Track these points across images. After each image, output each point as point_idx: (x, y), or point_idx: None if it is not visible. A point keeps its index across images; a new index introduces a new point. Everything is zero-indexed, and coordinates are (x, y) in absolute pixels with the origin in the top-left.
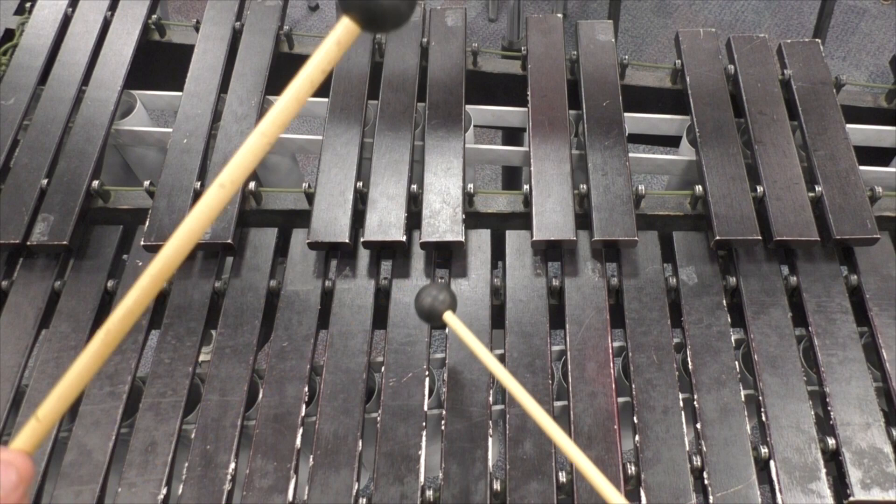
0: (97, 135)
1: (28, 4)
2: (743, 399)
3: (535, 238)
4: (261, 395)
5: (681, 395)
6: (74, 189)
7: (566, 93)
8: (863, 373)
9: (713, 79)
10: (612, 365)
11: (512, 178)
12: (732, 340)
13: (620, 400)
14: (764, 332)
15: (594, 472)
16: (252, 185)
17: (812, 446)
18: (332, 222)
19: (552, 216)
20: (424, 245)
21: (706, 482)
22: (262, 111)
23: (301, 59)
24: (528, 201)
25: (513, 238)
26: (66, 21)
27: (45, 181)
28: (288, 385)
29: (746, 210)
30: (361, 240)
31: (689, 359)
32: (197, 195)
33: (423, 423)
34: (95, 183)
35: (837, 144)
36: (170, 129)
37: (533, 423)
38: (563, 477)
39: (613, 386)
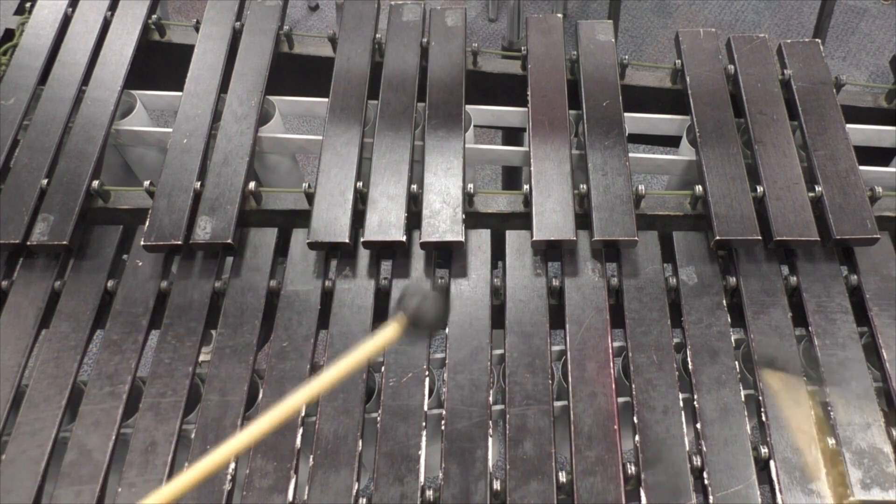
0: (97, 135)
1: (28, 4)
2: (743, 399)
3: (535, 238)
4: (261, 395)
5: (681, 395)
6: (74, 189)
7: (566, 93)
8: (863, 373)
9: (713, 79)
10: (612, 365)
11: (512, 178)
12: (732, 340)
13: (620, 400)
14: (764, 332)
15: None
16: (252, 185)
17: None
18: (332, 222)
19: (552, 216)
20: (424, 245)
21: (706, 482)
22: (261, 111)
23: (301, 59)
24: (528, 201)
25: (513, 238)
26: (66, 21)
27: (45, 181)
28: (288, 385)
29: (746, 210)
30: (361, 240)
31: (689, 359)
32: (197, 195)
33: (423, 423)
34: (95, 183)
35: (837, 144)
36: (170, 129)
37: (533, 423)
38: (563, 477)
39: (613, 386)
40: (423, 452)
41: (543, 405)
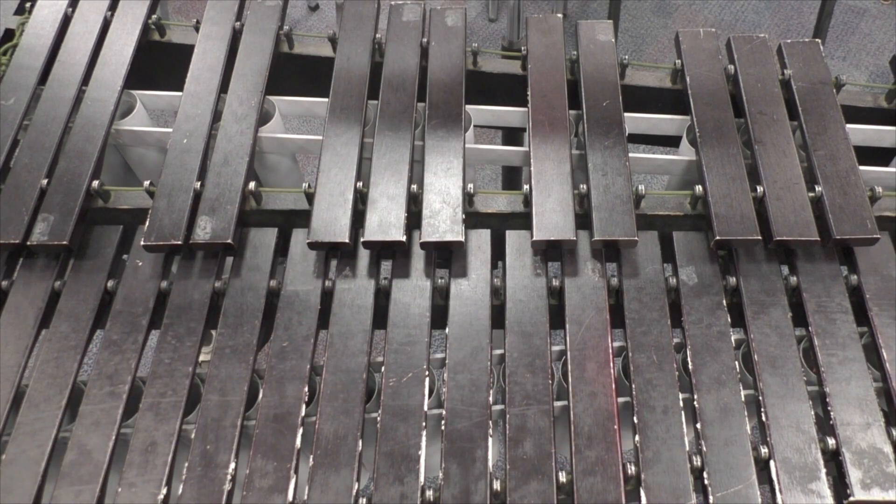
0: (97, 135)
1: (28, 4)
2: (743, 399)
3: (535, 238)
4: (261, 395)
5: (681, 395)
6: (74, 189)
7: (566, 93)
8: (863, 373)
9: (713, 79)
10: (612, 365)
11: (512, 178)
12: (732, 340)
13: (620, 400)
14: (764, 332)
15: None
16: (252, 185)
17: (812, 446)
18: (332, 222)
19: (552, 216)
20: (424, 245)
21: (706, 482)
22: (261, 111)
23: (301, 59)
24: (528, 201)
25: (513, 238)
26: (66, 21)
27: (45, 181)
28: (288, 385)
29: (746, 210)
30: (361, 240)
31: (689, 359)
32: (197, 195)
33: (423, 423)
34: (95, 183)
35: (837, 144)
36: (170, 129)
37: (533, 423)
38: (563, 477)
39: (613, 386)
40: (423, 452)
41: (543, 405)
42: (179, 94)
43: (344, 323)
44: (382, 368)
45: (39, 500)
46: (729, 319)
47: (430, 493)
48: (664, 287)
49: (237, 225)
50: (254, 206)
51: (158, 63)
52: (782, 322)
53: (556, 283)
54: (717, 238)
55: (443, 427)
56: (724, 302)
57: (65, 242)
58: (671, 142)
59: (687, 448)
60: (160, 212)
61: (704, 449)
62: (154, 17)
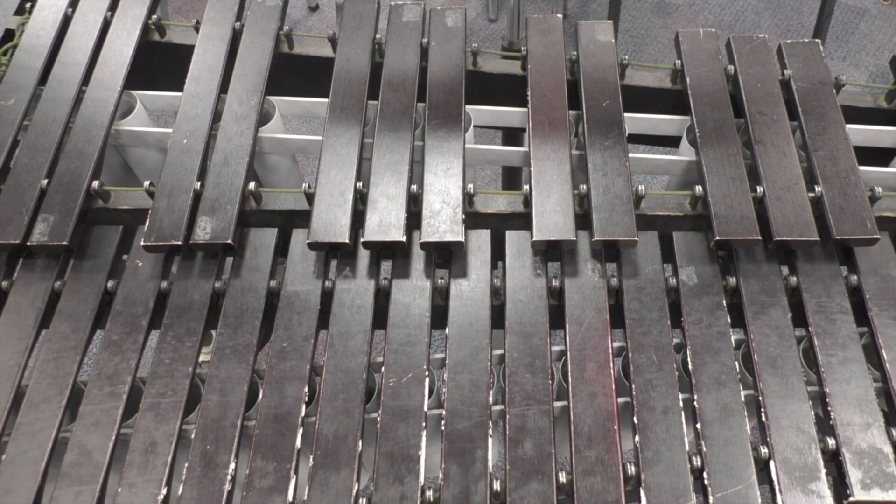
0: (97, 135)
1: (28, 4)
2: (743, 399)
3: (535, 238)
4: (261, 395)
5: (681, 395)
6: (74, 189)
7: (566, 93)
8: (863, 373)
9: (713, 79)
10: (612, 365)
11: (512, 178)
12: (732, 340)
13: (620, 400)
14: (764, 332)
15: None
16: (252, 185)
17: (812, 446)
18: (332, 222)
19: (552, 216)
20: (424, 245)
21: (706, 482)
22: (261, 111)
23: (301, 60)
24: (528, 201)
25: (513, 238)
26: (66, 21)
27: (45, 181)
28: (288, 385)
29: (746, 210)
30: (361, 240)
31: (689, 359)
32: (197, 195)
33: (423, 423)
34: (95, 183)
35: (837, 144)
36: (170, 129)
37: (533, 423)
38: (563, 477)
39: (613, 386)
40: (423, 452)
41: (543, 405)
42: (179, 94)
43: (344, 323)
44: (382, 368)
45: (39, 500)
46: (729, 319)
47: (430, 494)
48: (664, 287)
49: (237, 225)
50: (254, 207)
51: (158, 63)
52: (782, 322)
53: (556, 283)
54: (717, 238)
55: (443, 427)
56: (724, 302)
57: (65, 243)
58: (671, 142)
59: (687, 448)
60: (160, 212)
61: (704, 449)
62: (154, 17)
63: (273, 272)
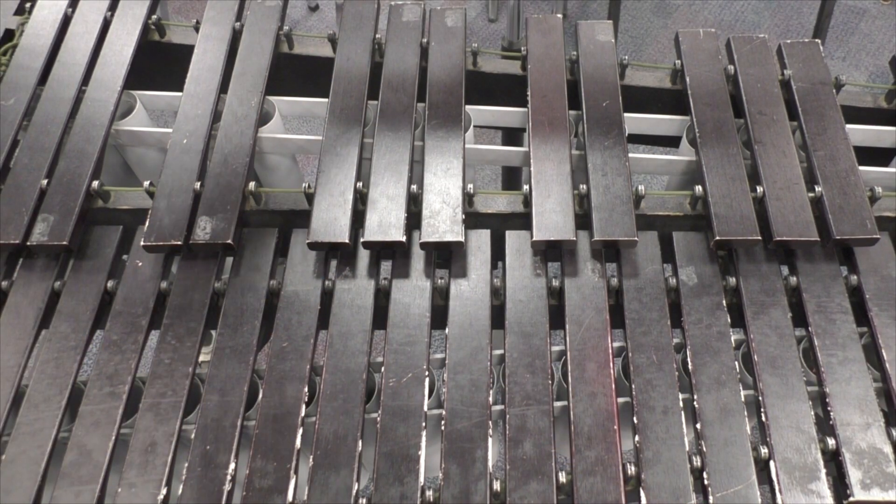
0: (97, 135)
1: (28, 4)
2: (743, 399)
3: (535, 238)
4: (261, 395)
5: (681, 395)
6: (74, 189)
7: (566, 93)
8: (863, 373)
9: (713, 79)
10: (612, 365)
11: (512, 178)
12: (732, 340)
13: (620, 400)
14: (764, 332)
15: None
16: (252, 185)
17: (812, 446)
18: (332, 222)
19: (552, 216)
20: (424, 245)
21: (706, 482)
22: (261, 111)
23: (301, 60)
24: (528, 201)
25: (513, 238)
26: (66, 21)
27: (45, 181)
28: (288, 385)
29: (746, 210)
30: (361, 240)
31: (689, 359)
32: (197, 195)
33: (423, 423)
34: (95, 183)
35: (837, 144)
36: (170, 130)
37: (533, 424)
38: (563, 477)
39: (613, 386)
40: (422, 452)
41: (543, 405)
42: (179, 94)
43: (344, 323)
44: (382, 368)
45: (39, 501)
46: (729, 319)
47: (429, 494)
48: (664, 287)
49: (237, 225)
50: (254, 207)
51: (158, 63)
52: (782, 322)
53: (555, 283)
54: (717, 238)
55: (443, 427)
56: (724, 302)
57: (65, 243)
58: (671, 142)
59: (687, 448)
60: (160, 212)
61: (704, 449)
62: (154, 17)
63: (273, 272)
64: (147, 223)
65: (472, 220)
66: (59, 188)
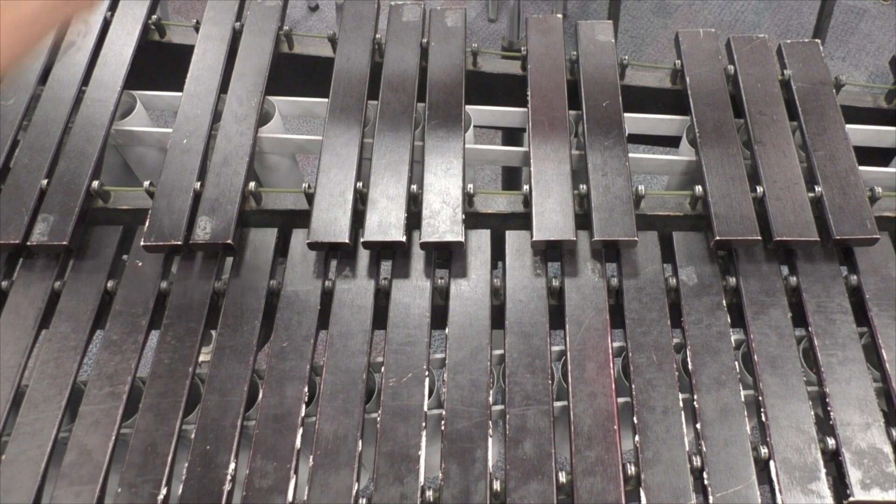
0: (97, 135)
1: None
2: (743, 399)
3: (534, 238)
4: (261, 395)
5: (681, 395)
6: (74, 189)
7: (566, 93)
8: (863, 373)
9: (713, 79)
10: (612, 365)
11: (512, 178)
12: (732, 340)
13: (620, 400)
14: (764, 332)
15: None
16: (252, 185)
17: (812, 446)
18: (332, 222)
19: (552, 216)
20: (424, 245)
21: (706, 482)
22: (261, 111)
23: (301, 59)
24: (527, 201)
25: (513, 238)
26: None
27: (45, 181)
28: (288, 385)
29: (746, 210)
30: (361, 240)
31: (689, 359)
32: (197, 195)
33: (423, 423)
34: (95, 183)
35: (837, 144)
36: (170, 130)
37: (533, 423)
38: (563, 477)
39: (613, 386)
40: (423, 452)
41: (543, 405)
42: (179, 94)
43: (344, 323)
44: (382, 368)
45: (39, 501)
46: (729, 319)
47: (429, 494)
48: (664, 287)
49: (237, 225)
50: (254, 207)
51: (158, 63)
52: (782, 322)
53: (555, 283)
54: (717, 238)
55: (443, 427)
56: (724, 302)
57: (65, 243)
58: (671, 142)
59: (687, 448)
60: (160, 212)
61: (704, 449)
62: (154, 17)
63: (273, 272)
64: (147, 223)
65: (472, 220)
66: (59, 188)
